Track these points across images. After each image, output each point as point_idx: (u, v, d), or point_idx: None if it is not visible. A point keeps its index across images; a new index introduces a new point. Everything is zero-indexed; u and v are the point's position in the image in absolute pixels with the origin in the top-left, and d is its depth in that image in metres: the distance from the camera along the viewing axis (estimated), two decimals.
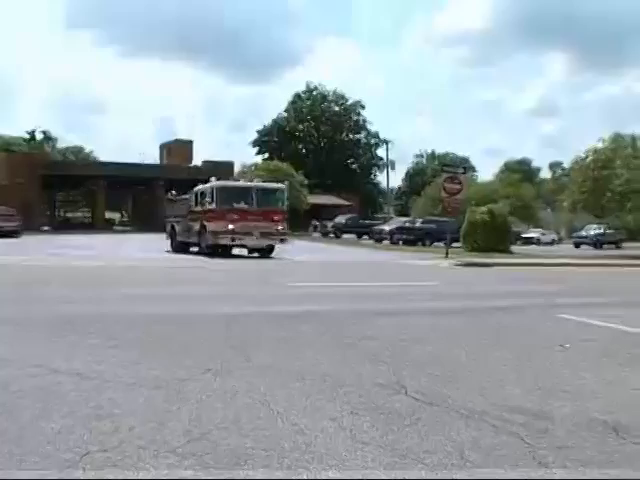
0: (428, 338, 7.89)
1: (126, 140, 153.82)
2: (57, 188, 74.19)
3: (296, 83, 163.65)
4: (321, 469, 3.56)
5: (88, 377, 5.33)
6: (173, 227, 29.39)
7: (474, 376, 5.87)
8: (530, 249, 38.08)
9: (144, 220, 64.73)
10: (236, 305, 10.48)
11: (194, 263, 21.50)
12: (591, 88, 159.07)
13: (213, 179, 26.28)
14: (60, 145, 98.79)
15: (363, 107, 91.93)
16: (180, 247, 28.05)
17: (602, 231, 51.69)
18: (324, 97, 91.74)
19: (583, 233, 54.42)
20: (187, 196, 28.51)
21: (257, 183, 27.07)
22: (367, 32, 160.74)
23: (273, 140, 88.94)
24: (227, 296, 12.09)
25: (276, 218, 25.13)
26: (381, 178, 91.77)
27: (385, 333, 8.18)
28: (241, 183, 27.61)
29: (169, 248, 28.85)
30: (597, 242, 50.65)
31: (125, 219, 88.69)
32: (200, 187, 27.09)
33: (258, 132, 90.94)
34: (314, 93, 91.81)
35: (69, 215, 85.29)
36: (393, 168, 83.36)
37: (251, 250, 25.81)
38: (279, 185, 27.02)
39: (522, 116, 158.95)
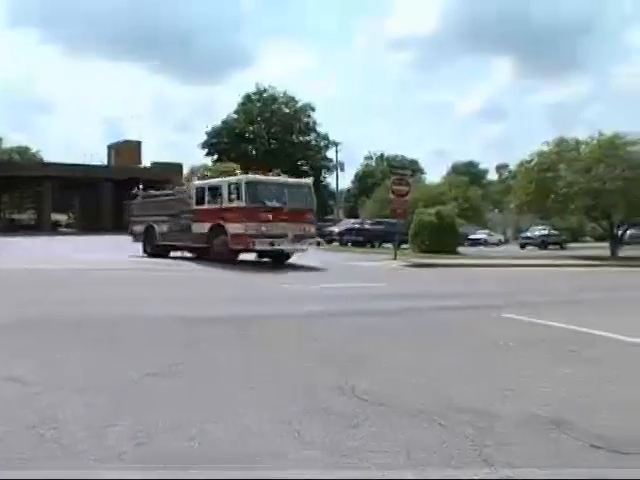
0: (376, 339, 7.96)
1: (73, 140, 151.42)
2: (1, 189, 72.57)
3: (246, 84, 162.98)
4: (268, 469, 3.56)
5: (32, 382, 5.21)
6: (150, 228, 25.56)
7: (421, 376, 5.93)
8: (477, 250, 38.65)
9: (91, 222, 63.86)
10: (191, 307, 10.42)
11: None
12: (536, 92, 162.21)
13: (238, 173, 24.53)
14: (5, 145, 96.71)
15: (313, 109, 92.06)
16: (160, 251, 24.71)
17: (547, 232, 52.72)
18: (274, 99, 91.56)
19: (529, 234, 55.43)
20: (173, 192, 26.00)
21: (287, 178, 24.30)
22: (318, 34, 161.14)
23: (223, 142, 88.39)
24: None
25: (308, 218, 22.36)
26: (331, 180, 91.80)
27: (333, 334, 8.22)
28: (273, 177, 23.76)
29: (141, 252, 25.62)
30: (542, 243, 51.61)
31: (72, 221, 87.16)
32: (213, 181, 24.53)
33: (207, 133, 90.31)
34: (264, 95, 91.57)
35: (14, 217, 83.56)
36: (343, 170, 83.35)
37: (261, 255, 22.80)
38: (308, 180, 24.45)
39: (469, 119, 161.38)
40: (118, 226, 51.96)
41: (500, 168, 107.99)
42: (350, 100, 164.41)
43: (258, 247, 20.75)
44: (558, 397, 5.27)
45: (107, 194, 64.33)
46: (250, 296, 13.06)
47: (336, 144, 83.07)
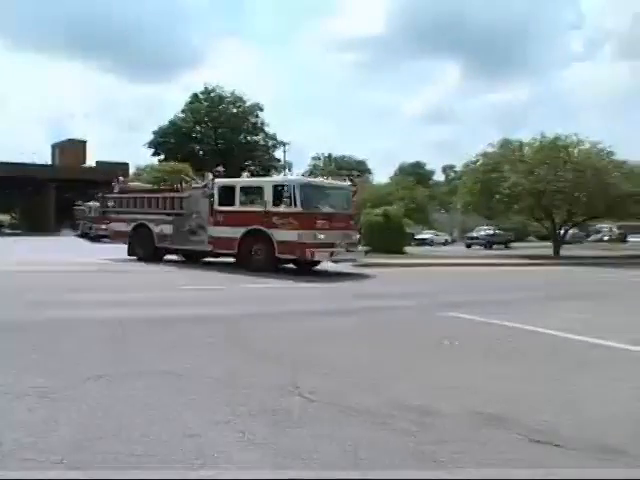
0: (322, 339, 8.01)
1: (16, 139, 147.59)
2: None
3: (195, 84, 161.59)
4: (211, 470, 3.58)
5: None
6: (141, 228, 22.47)
7: (366, 375, 6.00)
8: (424, 250, 39.01)
9: (35, 222, 62.54)
10: (126, 307, 10.31)
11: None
12: (482, 94, 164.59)
13: (285, 173, 22.50)
14: None
15: (261, 109, 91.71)
16: (155, 254, 21.98)
17: (492, 232, 53.50)
18: (222, 98, 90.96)
19: (474, 234, 56.11)
20: (182, 188, 23.07)
21: (333, 181, 22.64)
22: (267, 34, 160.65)
23: (170, 141, 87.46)
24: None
25: (352, 224, 20.72)
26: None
27: (279, 334, 8.24)
28: (324, 181, 21.95)
29: (127, 254, 22.80)
30: (487, 243, 52.30)
31: (15, 221, 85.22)
32: (249, 181, 22.37)
33: (154, 133, 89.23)
34: (212, 94, 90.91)
35: None
36: (291, 170, 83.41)
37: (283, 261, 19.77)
38: (349, 183, 22.63)
39: (416, 120, 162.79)
40: (64, 227, 51.17)
41: (446, 169, 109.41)
42: (298, 101, 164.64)
43: (317, 257, 18.67)
44: (499, 393, 5.40)
45: (51, 194, 63.10)
46: (196, 297, 12.99)
47: (284, 144, 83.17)
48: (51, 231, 51.65)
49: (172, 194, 22.61)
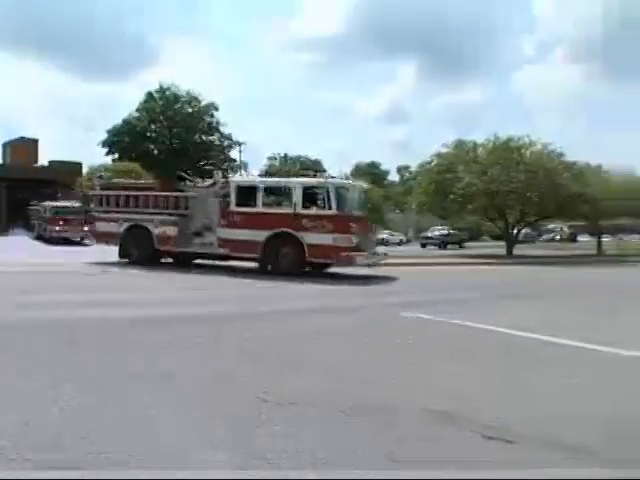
0: (283, 340, 8.02)
1: None
2: None
3: (150, 82, 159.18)
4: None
5: None
6: (136, 229, 20.72)
7: (323, 374, 6.05)
8: (378, 250, 39.17)
9: None
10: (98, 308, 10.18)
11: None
12: (437, 95, 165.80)
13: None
14: None
15: (217, 109, 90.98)
16: (154, 257, 20.50)
17: (446, 232, 54.04)
18: (177, 98, 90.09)
19: (429, 234, 56.59)
20: (188, 187, 21.61)
21: (357, 182, 21.85)
22: (222, 34, 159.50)
23: (124, 140, 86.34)
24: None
25: (372, 226, 20.14)
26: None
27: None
28: (350, 182, 21.15)
29: (120, 257, 20.95)
30: (442, 242, 52.81)
31: None
32: (274, 181, 22.01)
33: (108, 132, 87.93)
34: (167, 93, 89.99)
35: None
36: (246, 170, 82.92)
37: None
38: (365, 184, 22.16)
39: (372, 120, 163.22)
40: (16, 227, 50.03)
41: (401, 169, 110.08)
42: (254, 100, 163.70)
43: (355, 261, 18.10)
44: (453, 391, 5.50)
45: (2, 194, 61.81)
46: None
47: (240, 144, 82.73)
48: (1, 231, 50.55)
49: (176, 193, 21.13)
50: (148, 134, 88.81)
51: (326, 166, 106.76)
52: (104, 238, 21.92)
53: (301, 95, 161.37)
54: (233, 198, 19.29)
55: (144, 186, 23.12)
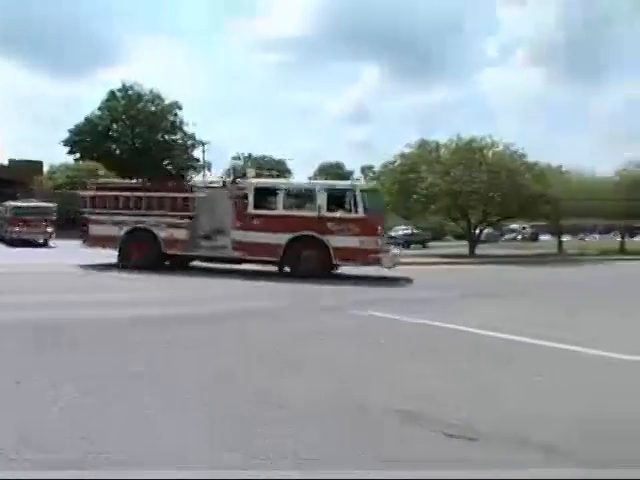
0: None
1: None
2: None
3: (113, 81, 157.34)
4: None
5: None
6: (139, 232, 19.72)
7: (282, 375, 6.01)
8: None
9: None
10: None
11: None
12: (402, 96, 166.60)
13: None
14: None
15: (180, 108, 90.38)
16: (155, 262, 19.35)
17: (409, 232, 54.37)
18: (140, 96, 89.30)
19: (392, 234, 56.88)
20: (196, 188, 20.95)
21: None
22: (189, 33, 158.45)
23: (85, 139, 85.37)
24: None
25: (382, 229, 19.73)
26: (198, 180, 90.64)
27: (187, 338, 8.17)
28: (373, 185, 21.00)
29: (120, 261, 19.70)
30: (405, 242, 53.09)
31: None
32: (297, 183, 22.00)
33: (70, 131, 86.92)
34: (130, 92, 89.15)
35: None
36: (210, 170, 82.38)
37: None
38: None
39: (338, 121, 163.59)
40: None
41: (365, 169, 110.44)
42: (220, 100, 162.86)
43: (383, 264, 18.13)
44: (418, 391, 5.53)
45: None
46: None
47: (203, 144, 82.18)
48: None
49: (184, 194, 20.26)
50: (110, 133, 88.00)
51: (292, 166, 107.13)
52: (100, 242, 20.29)
53: (268, 95, 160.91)
54: (251, 200, 18.94)
55: (139, 186, 21.79)
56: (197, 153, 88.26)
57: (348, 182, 20.51)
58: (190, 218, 19.45)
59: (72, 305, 10.87)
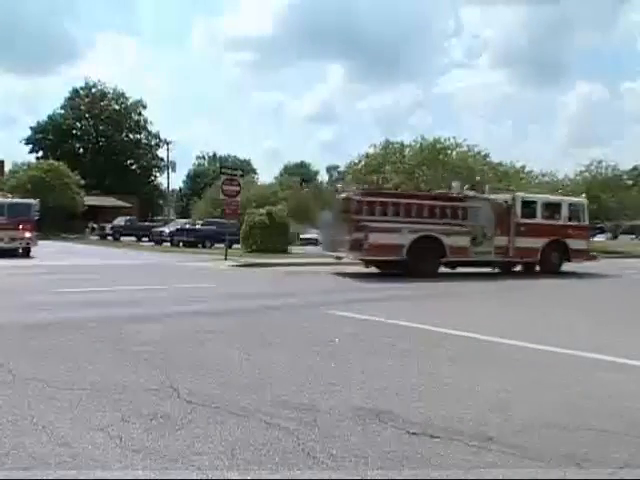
0: (202, 339, 7.90)
1: None
2: None
3: (76, 78, 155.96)
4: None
5: None
6: (425, 240, 19.53)
7: (248, 375, 5.97)
8: (308, 249, 39.25)
9: None
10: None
11: None
12: (367, 97, 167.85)
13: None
14: None
15: (144, 106, 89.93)
16: (437, 269, 20.09)
17: None
18: (104, 95, 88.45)
19: None
20: (476, 199, 21.73)
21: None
22: (152, 31, 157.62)
23: (48, 138, 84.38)
24: None
25: None
26: (162, 179, 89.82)
27: (159, 337, 8.08)
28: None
29: (410, 270, 19.14)
30: None
31: None
32: (550, 198, 24.81)
33: (32, 129, 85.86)
34: (93, 90, 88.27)
35: None
36: (174, 170, 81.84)
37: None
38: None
39: (302, 121, 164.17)
40: None
41: (330, 169, 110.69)
42: (185, 99, 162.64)
43: (596, 261, 23.44)
44: (378, 388, 5.52)
45: None
46: (76, 300, 12.56)
47: (167, 143, 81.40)
48: None
49: (460, 203, 21.28)
50: (74, 132, 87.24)
51: (257, 166, 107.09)
52: (381, 251, 19.31)
53: (234, 94, 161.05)
54: (519, 211, 21.70)
55: (415, 194, 23.48)
56: (161, 152, 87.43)
57: (581, 198, 24.37)
58: (470, 226, 20.74)
59: None
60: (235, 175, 28.89)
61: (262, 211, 34.04)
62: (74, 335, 7.99)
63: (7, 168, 65.37)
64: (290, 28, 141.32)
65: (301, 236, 52.71)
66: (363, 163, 37.24)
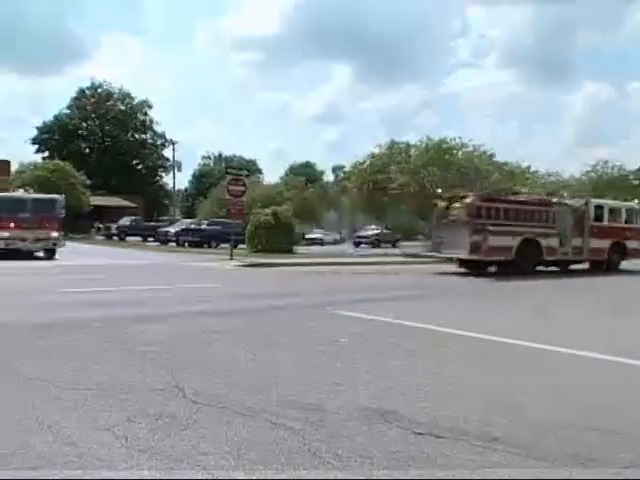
0: (208, 339, 7.90)
1: None
2: None
3: (82, 78, 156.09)
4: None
5: None
6: (528, 243, 21.54)
7: (252, 375, 5.97)
8: (313, 249, 39.32)
9: None
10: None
11: None
12: (372, 97, 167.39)
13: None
14: None
15: (150, 106, 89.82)
16: (534, 268, 22.04)
17: (379, 231, 54.53)
18: (110, 95, 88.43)
19: (362, 233, 57.04)
20: (563, 204, 24.28)
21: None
22: (158, 31, 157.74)
23: (54, 138, 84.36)
24: None
25: None
26: (167, 179, 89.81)
27: (164, 337, 8.08)
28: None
29: (520, 269, 21.04)
30: (375, 242, 53.30)
31: None
32: (612, 203, 26.89)
33: (38, 129, 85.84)
34: (99, 90, 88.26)
35: None
36: (180, 169, 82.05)
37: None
38: None
39: (308, 121, 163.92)
40: None
41: (336, 169, 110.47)
42: (190, 99, 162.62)
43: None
44: (384, 388, 5.50)
45: None
46: (81, 300, 12.57)
47: (173, 143, 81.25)
48: None
49: (551, 208, 23.44)
50: (80, 132, 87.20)
51: (262, 166, 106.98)
52: (496, 253, 21.23)
53: (239, 94, 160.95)
54: (592, 215, 23.97)
55: (524, 200, 24.39)
56: (167, 153, 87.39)
57: (633, 204, 26.99)
58: (560, 229, 22.87)
59: None
60: (240, 175, 28.93)
61: (267, 211, 34.06)
62: (80, 335, 8.00)
63: (13, 168, 65.34)
64: (295, 28, 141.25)
65: (306, 236, 52.81)
66: (368, 163, 37.17)
